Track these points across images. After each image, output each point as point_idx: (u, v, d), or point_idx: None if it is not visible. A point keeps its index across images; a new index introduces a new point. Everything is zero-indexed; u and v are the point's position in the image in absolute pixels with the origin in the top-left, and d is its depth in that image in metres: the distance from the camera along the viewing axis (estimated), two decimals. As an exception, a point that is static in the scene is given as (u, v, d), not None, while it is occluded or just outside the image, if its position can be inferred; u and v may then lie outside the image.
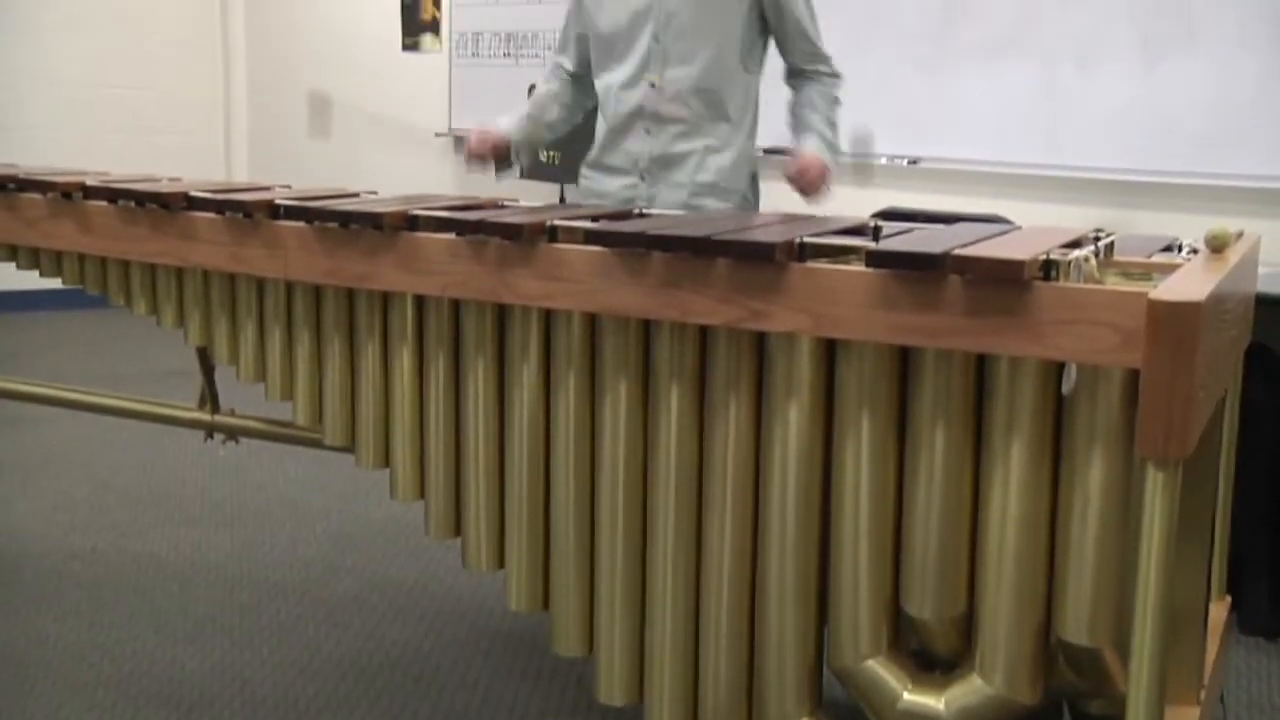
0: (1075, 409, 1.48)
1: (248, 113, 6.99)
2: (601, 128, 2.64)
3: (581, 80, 2.74)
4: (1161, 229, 3.03)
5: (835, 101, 2.61)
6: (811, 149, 2.51)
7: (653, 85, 2.52)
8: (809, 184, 2.48)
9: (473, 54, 5.63)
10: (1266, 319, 2.21)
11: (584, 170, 2.70)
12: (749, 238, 1.69)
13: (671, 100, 2.50)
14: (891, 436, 1.61)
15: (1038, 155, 3.77)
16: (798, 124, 2.60)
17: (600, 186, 2.64)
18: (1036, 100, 3.76)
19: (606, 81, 2.61)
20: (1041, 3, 3.73)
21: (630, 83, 2.55)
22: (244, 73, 6.96)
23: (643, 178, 2.57)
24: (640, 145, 2.56)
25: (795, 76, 2.63)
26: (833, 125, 2.58)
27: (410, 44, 6.00)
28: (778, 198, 2.62)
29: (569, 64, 2.75)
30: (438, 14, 5.84)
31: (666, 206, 2.53)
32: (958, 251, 1.51)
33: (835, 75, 2.62)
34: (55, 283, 2.56)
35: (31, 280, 2.67)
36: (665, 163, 2.55)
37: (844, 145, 2.65)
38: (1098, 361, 1.43)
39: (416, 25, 5.95)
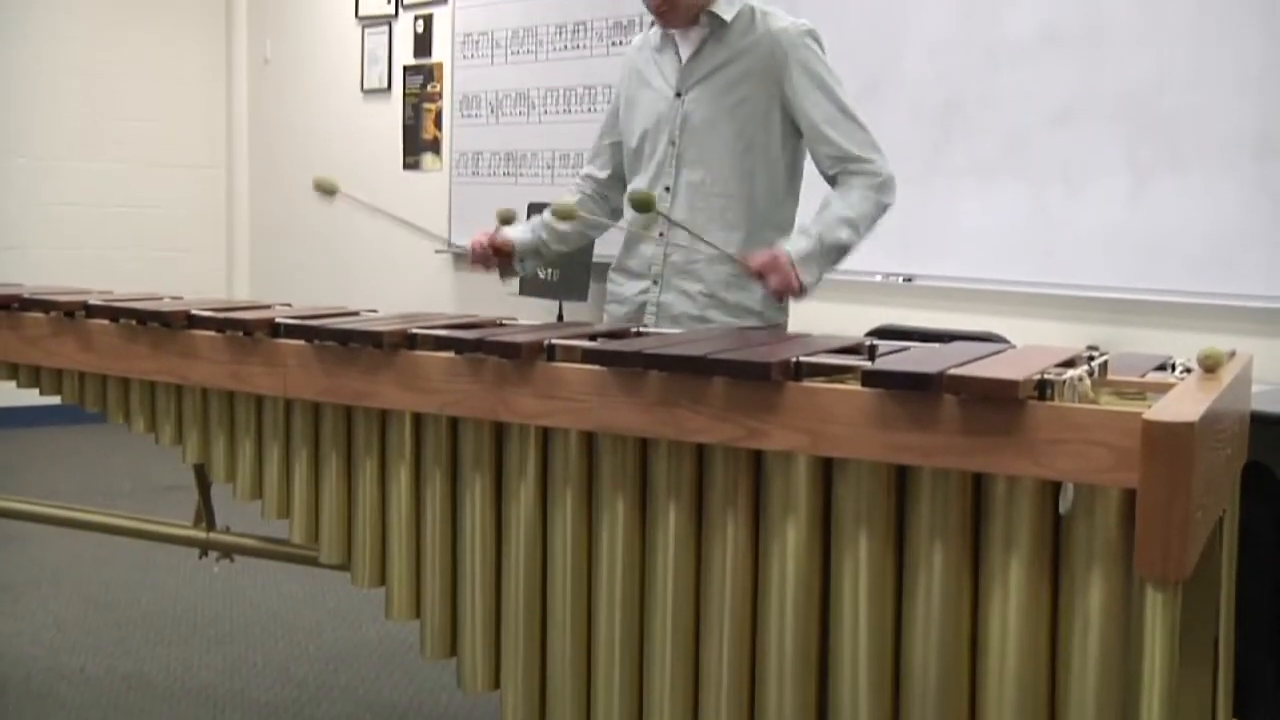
0: (1073, 529, 1.48)
1: (250, 230, 7.09)
2: (626, 232, 2.64)
3: (610, 189, 2.74)
4: (1154, 346, 3.06)
5: (863, 199, 2.39)
6: (789, 244, 2.36)
7: (667, 189, 2.52)
8: (755, 271, 2.33)
9: (472, 172, 5.73)
10: (1263, 438, 2.21)
11: (610, 274, 2.67)
12: (745, 357, 1.70)
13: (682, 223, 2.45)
14: (889, 555, 1.61)
15: (1031, 273, 3.81)
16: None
17: (620, 290, 2.62)
18: (1028, 220, 3.82)
19: (630, 188, 2.60)
20: (1031, 125, 3.81)
21: (649, 187, 2.52)
22: (247, 191, 7.07)
23: (655, 283, 2.55)
24: (654, 250, 2.55)
25: (830, 185, 2.47)
26: (836, 219, 2.37)
27: (411, 163, 6.11)
28: (819, 319, 2.59)
29: (599, 171, 2.74)
30: (438, 134, 5.95)
31: (677, 315, 2.50)
32: (953, 371, 1.52)
33: (868, 173, 2.41)
34: (53, 398, 2.57)
35: (29, 396, 2.68)
36: (677, 269, 2.52)
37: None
38: (1094, 481, 1.44)
39: (418, 145, 6.06)
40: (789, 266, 2.31)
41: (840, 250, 2.39)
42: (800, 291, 2.35)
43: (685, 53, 2.52)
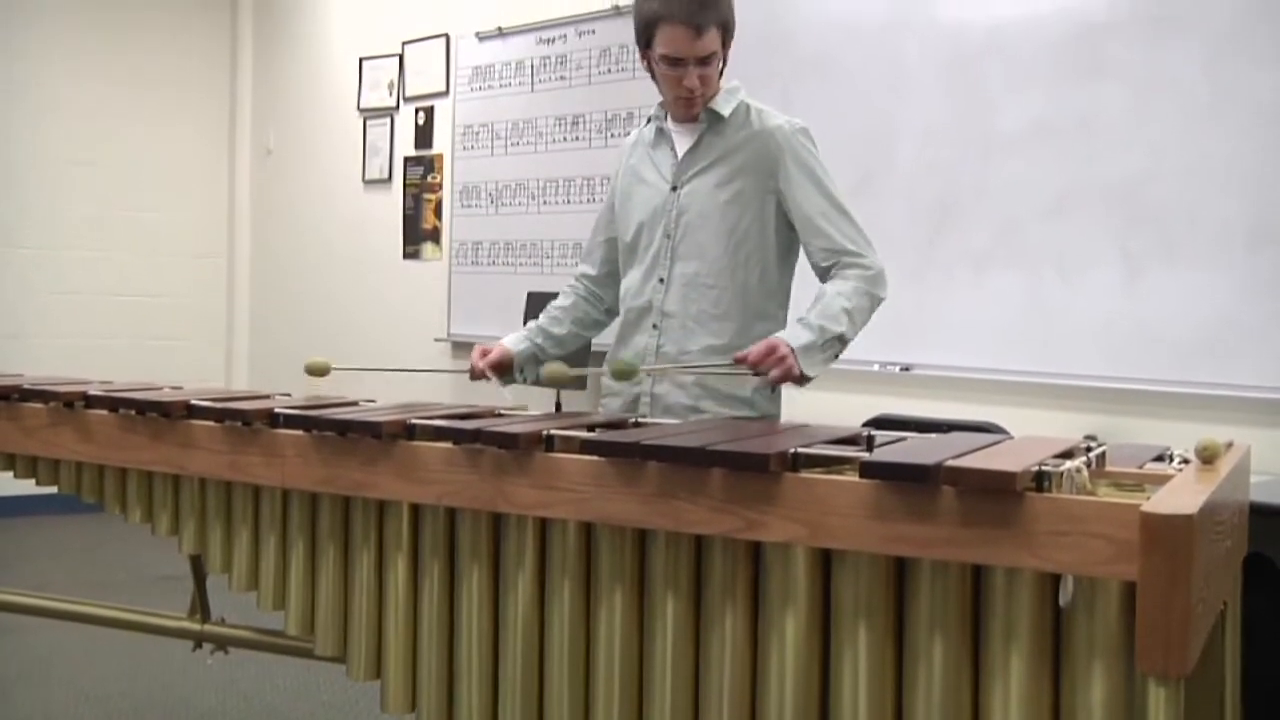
0: (1073, 621, 1.47)
1: (250, 319, 7.12)
2: (619, 325, 2.66)
3: (604, 287, 2.76)
4: (1150, 436, 3.06)
5: (857, 292, 2.41)
6: (785, 333, 2.35)
7: (661, 281, 2.54)
8: (753, 361, 2.28)
9: (472, 262, 5.77)
10: (1263, 529, 2.21)
11: (606, 365, 2.69)
12: (743, 448, 1.70)
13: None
14: (889, 647, 1.60)
15: (1026, 363, 3.83)
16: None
17: (614, 384, 2.63)
18: (1023, 309, 3.84)
19: (628, 280, 2.62)
20: (1024, 216, 3.85)
21: (643, 280, 2.56)
22: (248, 280, 7.11)
23: (649, 374, 2.56)
24: (648, 341, 2.56)
25: (822, 279, 2.49)
26: (834, 309, 2.36)
27: (411, 252, 6.16)
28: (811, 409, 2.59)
29: (593, 269, 2.76)
30: (438, 223, 6.01)
31: (671, 405, 2.51)
32: (950, 463, 1.52)
33: (861, 267, 2.44)
34: (49, 488, 2.56)
35: (24, 485, 2.67)
36: (670, 360, 2.52)
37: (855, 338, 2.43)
38: (1093, 573, 1.43)
39: (418, 234, 6.12)
40: (789, 354, 2.28)
41: (840, 342, 2.38)
42: (801, 380, 2.32)
43: (682, 147, 2.56)
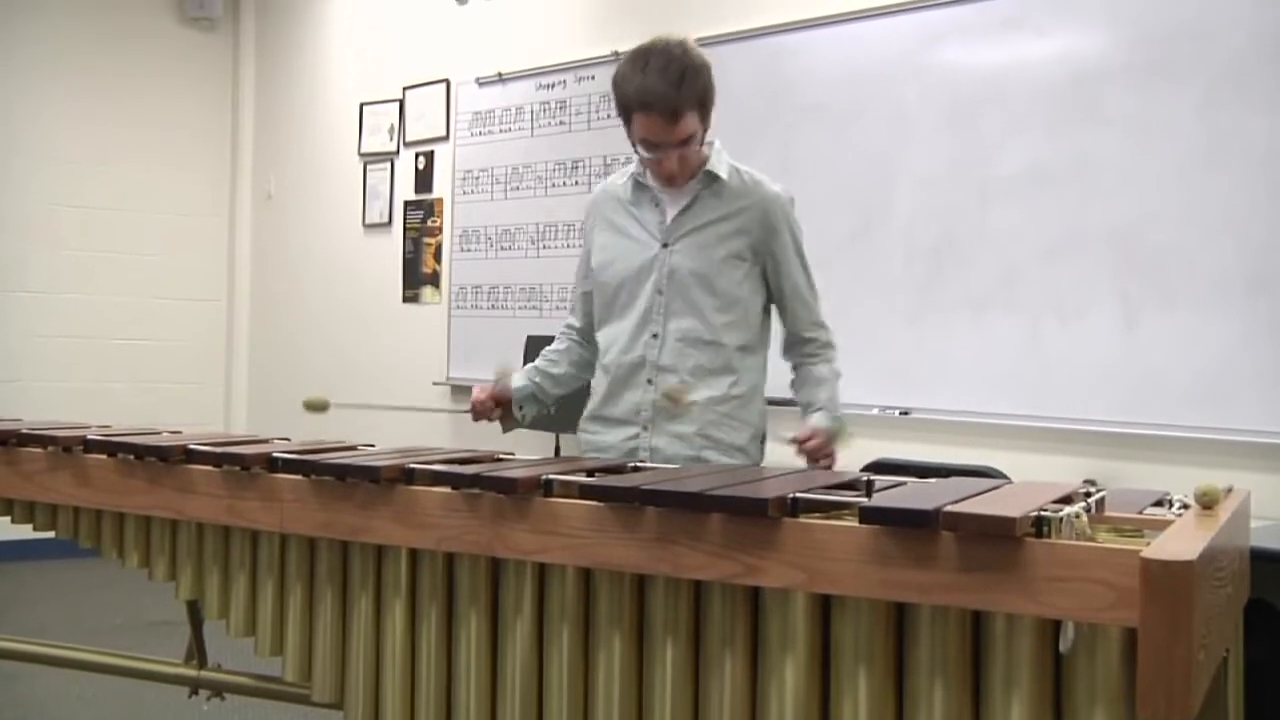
0: (1074, 668, 1.47)
1: (249, 363, 7.12)
2: (601, 380, 2.67)
3: (589, 338, 2.79)
4: (1149, 480, 3.05)
5: (838, 375, 2.64)
6: (818, 423, 2.53)
7: (655, 336, 2.57)
8: (812, 452, 2.48)
9: (471, 305, 5.79)
10: (1265, 575, 2.20)
11: (583, 424, 2.71)
12: (742, 493, 1.70)
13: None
14: (889, 693, 1.59)
15: (1025, 407, 3.83)
16: (805, 401, 2.62)
17: (602, 440, 2.64)
18: (1022, 354, 3.85)
19: (610, 334, 2.65)
20: (1022, 261, 3.87)
21: (633, 335, 2.59)
22: (247, 324, 7.12)
23: (645, 428, 2.57)
24: (643, 396, 2.58)
25: (793, 347, 2.65)
26: (834, 403, 2.59)
27: (411, 296, 6.17)
28: (770, 449, 2.64)
29: (578, 321, 2.80)
30: (438, 267, 6.03)
31: (669, 458, 2.52)
32: (949, 508, 1.52)
33: (832, 345, 2.65)
34: (46, 533, 2.55)
35: (20, 530, 2.66)
36: (668, 413, 2.55)
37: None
38: (1094, 620, 1.43)
39: (418, 278, 6.13)
40: (830, 444, 2.51)
41: (840, 426, 2.57)
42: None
43: (673, 206, 2.59)
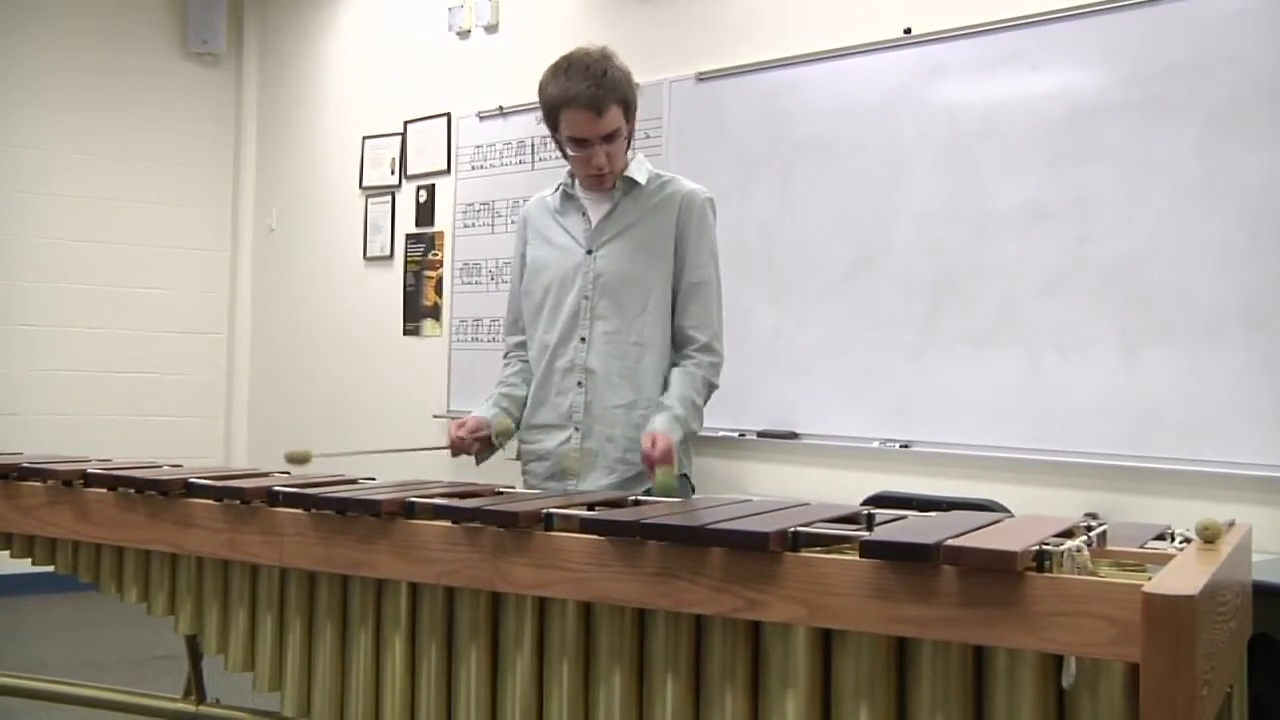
0: (1077, 703, 1.46)
1: (249, 397, 7.12)
2: (532, 388, 2.76)
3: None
4: (1150, 514, 3.05)
5: (705, 385, 2.66)
6: (660, 425, 2.55)
7: (583, 340, 2.66)
8: (660, 460, 2.49)
9: (472, 338, 5.79)
10: (1267, 610, 2.19)
11: (522, 434, 2.79)
12: (743, 527, 1.70)
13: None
14: (892, 731, 1.58)
15: (1026, 440, 3.83)
16: (659, 400, 2.66)
17: (541, 447, 2.74)
18: (1022, 387, 3.85)
19: (539, 341, 2.74)
20: (1023, 295, 3.88)
21: (562, 339, 2.69)
22: (248, 357, 7.13)
23: (577, 429, 2.67)
24: (574, 399, 2.67)
25: (677, 348, 2.69)
26: (688, 404, 2.61)
27: (412, 329, 6.18)
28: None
29: (521, 337, 2.86)
30: (438, 300, 6.03)
31: (602, 460, 2.63)
32: (950, 542, 1.52)
33: (715, 353, 2.69)
34: (45, 567, 2.55)
35: (20, 563, 2.66)
36: (598, 415, 2.65)
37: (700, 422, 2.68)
38: (1096, 655, 1.42)
39: (418, 311, 6.14)
40: (674, 452, 2.53)
41: (693, 437, 2.66)
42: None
43: (595, 212, 2.71)
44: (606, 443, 2.65)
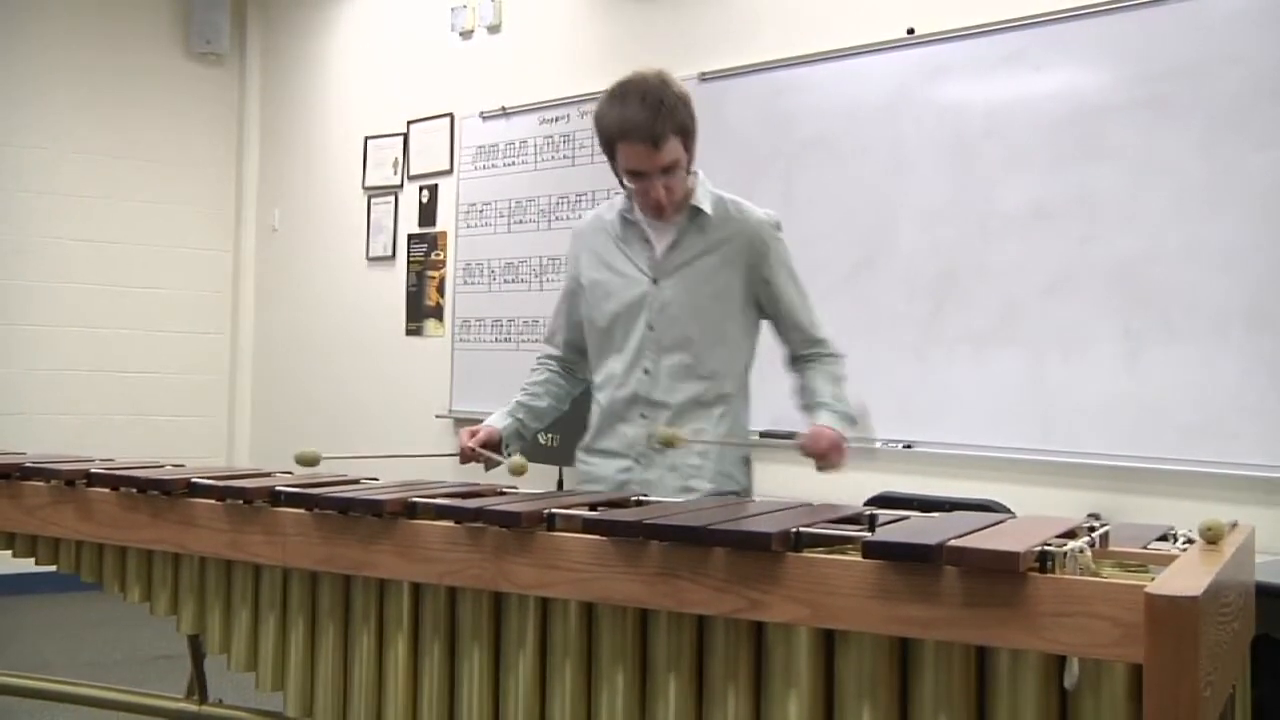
0: (1080, 704, 1.46)
1: (252, 396, 7.13)
2: (596, 413, 2.69)
3: (570, 368, 2.82)
4: (1153, 514, 3.05)
5: (840, 379, 2.62)
6: (823, 421, 2.51)
7: (646, 372, 2.59)
8: (819, 453, 2.45)
9: (475, 338, 5.80)
10: (1270, 610, 2.19)
11: (580, 454, 2.73)
12: (745, 527, 1.70)
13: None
14: (894, 731, 1.58)
15: (1029, 440, 3.83)
16: (807, 405, 2.61)
17: (597, 471, 2.67)
18: (1025, 388, 3.85)
19: (605, 371, 2.67)
20: (1026, 295, 3.88)
21: (627, 370, 2.61)
22: (250, 357, 7.13)
23: (638, 461, 2.60)
24: (635, 430, 2.60)
25: (796, 362, 2.67)
26: (841, 400, 2.58)
27: (414, 329, 6.18)
28: (776, 483, 2.64)
29: (558, 351, 2.82)
30: (441, 300, 6.04)
31: (662, 489, 2.53)
32: (953, 542, 1.52)
33: (836, 355, 2.65)
34: (48, 566, 2.55)
35: (23, 563, 2.66)
36: (659, 450, 2.56)
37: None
38: (1099, 656, 1.42)
39: (421, 311, 6.14)
40: (845, 448, 2.48)
41: (850, 422, 2.56)
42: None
43: (660, 241, 2.61)
44: (668, 472, 2.58)
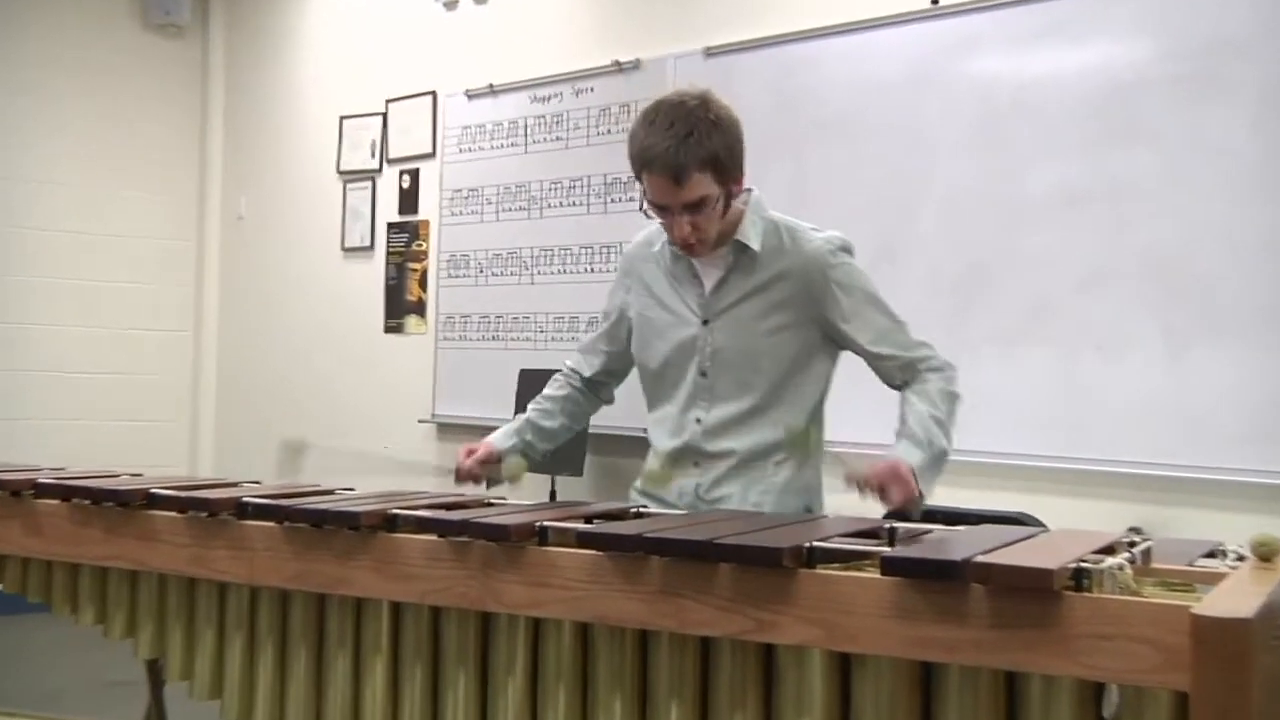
0: (1119, 735, 1.46)
1: (216, 400, 7.13)
2: (651, 456, 2.64)
3: (597, 389, 2.79)
4: (1199, 528, 3.05)
5: (936, 396, 2.47)
6: (897, 453, 2.37)
7: (698, 421, 2.53)
8: (875, 487, 2.29)
9: (460, 336, 5.80)
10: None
11: (634, 494, 2.67)
12: (754, 542, 1.70)
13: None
14: (916, 763, 1.58)
15: (1063, 448, 3.83)
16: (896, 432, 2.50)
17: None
18: (1058, 390, 3.85)
19: (656, 417, 2.64)
20: (1058, 289, 3.88)
21: (679, 419, 2.56)
22: (215, 357, 7.13)
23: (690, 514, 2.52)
24: (688, 480, 2.56)
25: (902, 383, 2.54)
26: (931, 422, 2.42)
27: (394, 325, 6.19)
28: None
29: (588, 371, 2.78)
30: (423, 295, 6.04)
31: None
32: (980, 558, 1.52)
33: (937, 369, 2.51)
34: (-6, 586, 2.55)
35: (-35, 582, 2.66)
36: (710, 499, 2.52)
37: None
38: (1140, 682, 1.42)
39: (401, 306, 6.15)
40: (911, 477, 2.29)
41: (945, 456, 2.42)
42: (919, 502, 2.32)
43: (707, 277, 2.53)
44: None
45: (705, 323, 2.53)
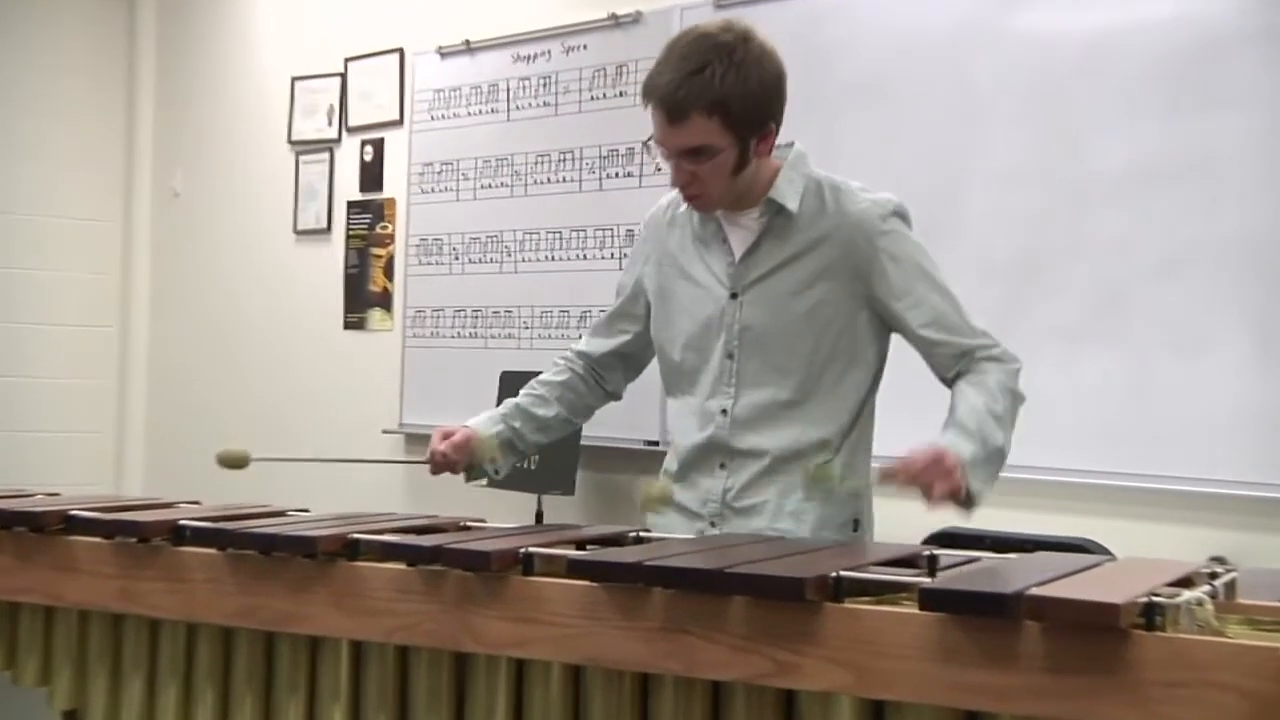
0: (1196, 796, 1.47)
1: (147, 406, 7.13)
2: (671, 456, 2.64)
3: (607, 369, 2.77)
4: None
5: (993, 389, 2.43)
6: (945, 440, 2.30)
7: (724, 413, 2.51)
8: (912, 478, 2.20)
9: (431, 333, 5.80)
10: None
11: (659, 505, 2.63)
12: (772, 571, 1.71)
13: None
14: (960, 828, 1.59)
15: (1132, 464, 3.83)
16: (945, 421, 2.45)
17: (670, 528, 2.55)
18: (1129, 397, 3.85)
19: (676, 409, 2.63)
20: (1128, 278, 3.88)
21: (702, 410, 2.55)
22: (145, 356, 7.13)
23: (712, 523, 2.52)
24: (713, 484, 2.54)
25: (957, 372, 2.51)
26: (987, 414, 2.37)
27: (354, 321, 6.19)
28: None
29: (596, 350, 2.76)
30: (389, 285, 6.05)
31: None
32: (1034, 591, 1.53)
33: (996, 358, 2.49)
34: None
35: None
36: (741, 509, 2.50)
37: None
38: (1221, 735, 1.43)
39: (363, 298, 6.16)
40: (958, 467, 2.22)
41: (1001, 457, 2.38)
42: (968, 501, 2.27)
43: (737, 242, 2.52)
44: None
45: (734, 295, 2.51)
